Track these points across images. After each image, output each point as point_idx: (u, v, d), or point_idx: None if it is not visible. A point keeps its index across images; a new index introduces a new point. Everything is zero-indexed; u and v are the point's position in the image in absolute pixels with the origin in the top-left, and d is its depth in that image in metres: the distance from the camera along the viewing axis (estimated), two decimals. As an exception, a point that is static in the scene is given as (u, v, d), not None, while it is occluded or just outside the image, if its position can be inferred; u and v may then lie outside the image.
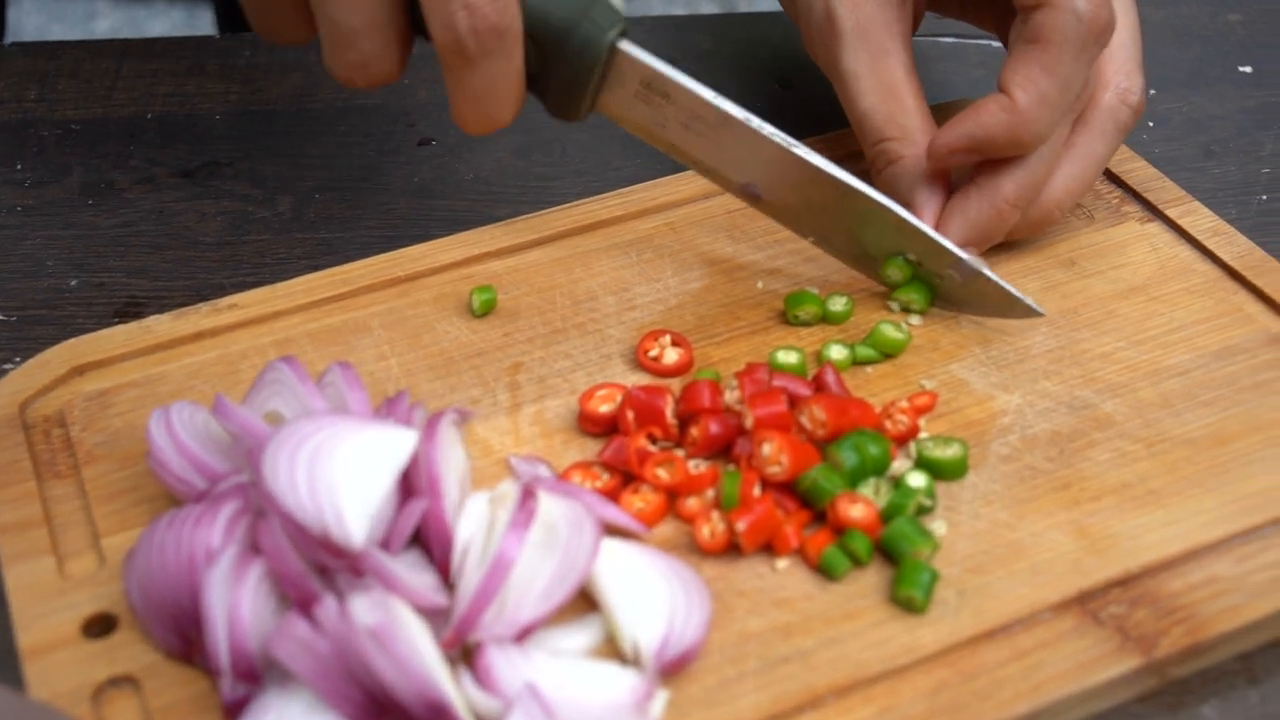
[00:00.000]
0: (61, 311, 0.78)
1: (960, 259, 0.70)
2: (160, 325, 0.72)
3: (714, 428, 0.64)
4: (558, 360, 0.70)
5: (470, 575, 0.57)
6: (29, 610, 0.60)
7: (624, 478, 0.64)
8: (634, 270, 0.75)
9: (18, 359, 0.74)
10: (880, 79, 0.72)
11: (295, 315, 0.73)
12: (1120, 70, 0.72)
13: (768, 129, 0.69)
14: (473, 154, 0.88)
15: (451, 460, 0.61)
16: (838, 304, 0.71)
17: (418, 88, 0.92)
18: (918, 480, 0.63)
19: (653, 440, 0.65)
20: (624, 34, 0.69)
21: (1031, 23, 0.68)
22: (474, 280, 0.75)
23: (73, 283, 0.79)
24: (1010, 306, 0.70)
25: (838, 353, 0.69)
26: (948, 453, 0.64)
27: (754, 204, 0.73)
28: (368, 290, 0.74)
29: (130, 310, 0.77)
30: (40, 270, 0.80)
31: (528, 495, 0.58)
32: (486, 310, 0.72)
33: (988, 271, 0.70)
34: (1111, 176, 0.80)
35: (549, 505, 0.59)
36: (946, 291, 0.71)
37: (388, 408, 0.63)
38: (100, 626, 0.60)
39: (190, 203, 0.84)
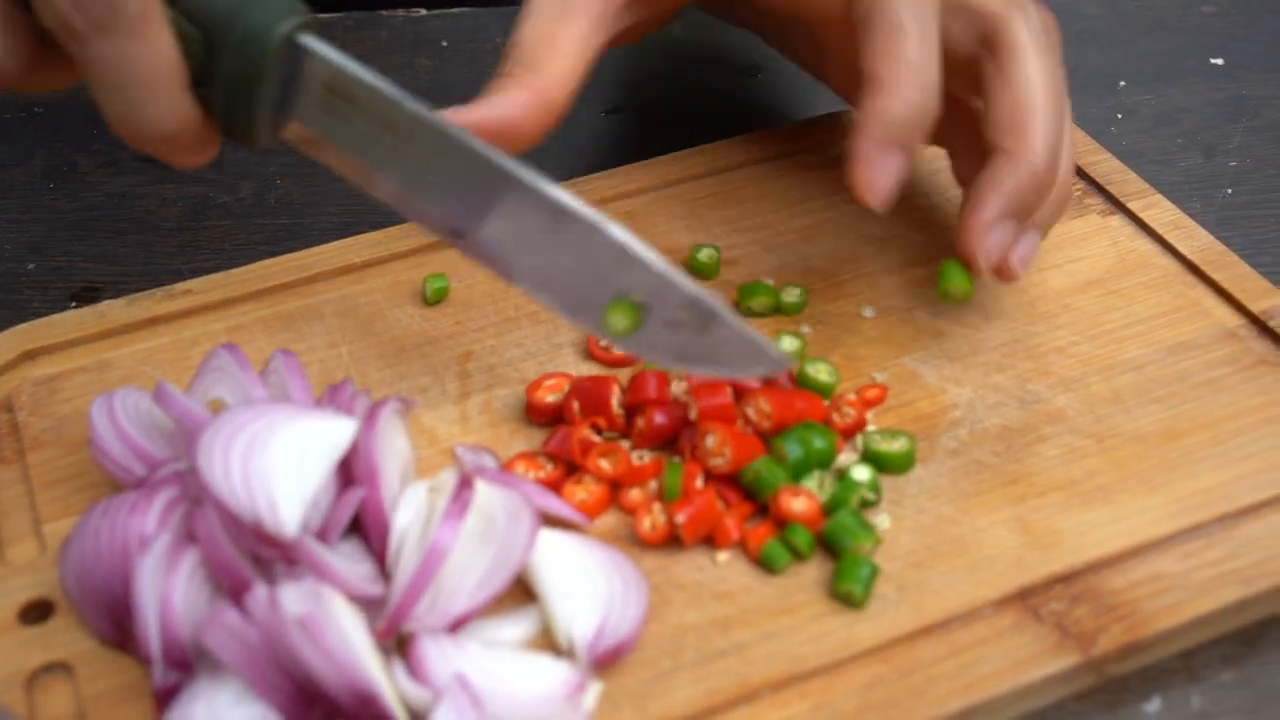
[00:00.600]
0: (17, 295, 0.77)
1: (695, 297, 0.60)
2: (114, 310, 0.72)
3: (659, 418, 0.64)
4: (509, 349, 0.70)
5: (405, 565, 0.57)
6: (-33, 596, 0.60)
7: (568, 468, 0.63)
8: (590, 259, 0.75)
9: (-29, 343, 0.74)
10: (548, 28, 0.66)
11: (249, 302, 0.73)
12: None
13: (466, 137, 0.60)
14: (437, 140, 0.87)
15: (393, 449, 0.61)
16: (792, 294, 0.71)
17: (387, 73, 0.92)
18: (862, 474, 0.63)
19: (598, 431, 0.65)
20: (307, 27, 0.59)
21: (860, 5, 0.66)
22: (428, 268, 0.74)
23: (30, 266, 0.79)
24: (754, 359, 0.61)
25: (789, 344, 0.68)
26: (894, 446, 0.64)
27: (458, 243, 0.63)
28: (323, 277, 0.74)
29: (86, 295, 0.77)
30: (-3, 254, 0.80)
31: (464, 485, 0.58)
32: (439, 298, 0.72)
33: (726, 314, 0.60)
34: (1076, 169, 0.79)
35: (487, 495, 0.59)
36: (679, 347, 0.61)
37: (330, 395, 0.63)
38: (37, 613, 0.60)
39: (152, 187, 0.84)
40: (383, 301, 0.73)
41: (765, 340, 0.61)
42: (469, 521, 0.58)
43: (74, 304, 0.76)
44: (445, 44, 0.95)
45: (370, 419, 0.60)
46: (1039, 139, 0.64)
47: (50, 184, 0.84)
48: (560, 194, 0.60)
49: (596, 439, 0.64)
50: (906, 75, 0.64)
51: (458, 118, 0.62)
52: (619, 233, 0.60)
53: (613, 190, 0.78)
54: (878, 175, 0.64)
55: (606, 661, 0.56)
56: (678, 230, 0.76)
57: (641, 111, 0.90)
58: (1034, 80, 0.65)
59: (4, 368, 0.70)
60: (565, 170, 0.83)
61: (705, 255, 0.73)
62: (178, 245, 0.80)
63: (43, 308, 0.75)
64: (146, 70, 0.56)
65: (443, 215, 0.62)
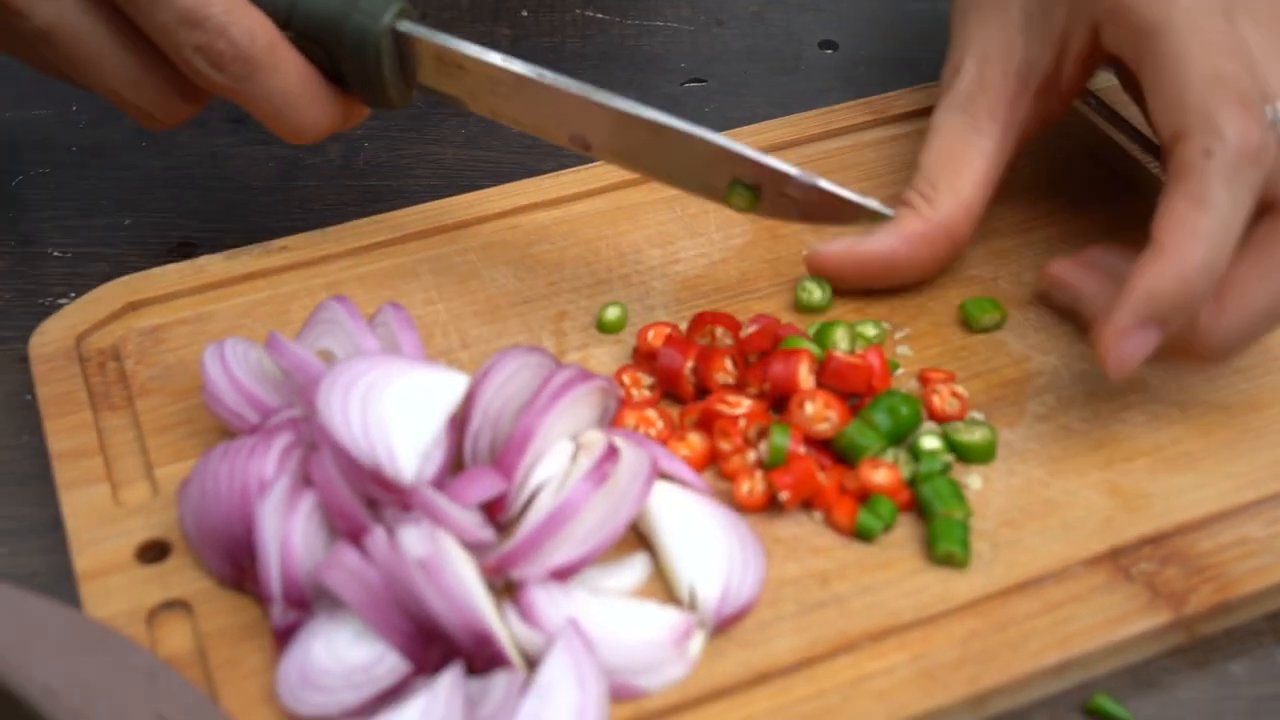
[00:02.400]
0: (115, 249, 0.79)
1: (792, 175, 0.67)
2: (213, 265, 0.74)
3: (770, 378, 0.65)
4: (602, 310, 0.71)
5: (533, 516, 0.58)
6: (84, 535, 0.62)
7: (671, 427, 0.65)
8: (678, 225, 0.76)
9: (72, 294, 0.75)
10: (951, 147, 0.71)
11: (345, 259, 0.75)
12: None
13: (562, 81, 0.67)
14: (520, 107, 0.89)
15: (570, 416, 0.62)
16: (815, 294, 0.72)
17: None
18: (932, 443, 0.64)
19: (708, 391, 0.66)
20: (403, 14, 0.67)
21: (1175, 156, 0.61)
22: (521, 230, 0.76)
23: (127, 222, 0.81)
24: (855, 213, 0.68)
25: (871, 331, 0.69)
26: (975, 436, 0.65)
27: (587, 153, 0.70)
28: (417, 237, 0.76)
29: (183, 250, 0.79)
30: (95, 209, 0.81)
31: (610, 454, 0.59)
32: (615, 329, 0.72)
33: (823, 183, 0.67)
34: (1153, 146, 0.81)
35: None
36: (797, 209, 0.69)
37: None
38: (154, 553, 0.61)
39: (242, 148, 0.86)
40: (477, 261, 0.74)
41: (865, 198, 0.68)
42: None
43: (171, 259, 0.77)
44: (525, 14, 0.96)
45: (563, 386, 0.61)
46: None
47: (143, 143, 0.86)
48: (658, 114, 0.67)
49: (739, 410, 0.64)
50: (1193, 251, 0.59)
51: (845, 253, 0.71)
52: (718, 138, 0.67)
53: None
54: (1126, 351, 0.60)
55: (730, 623, 0.58)
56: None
57: (723, 82, 0.91)
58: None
59: (109, 318, 0.71)
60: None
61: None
62: (269, 204, 0.82)
63: (141, 262, 0.77)
64: (288, 92, 0.66)
65: (570, 136, 0.69)
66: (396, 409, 0.59)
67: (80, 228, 0.80)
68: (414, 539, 0.55)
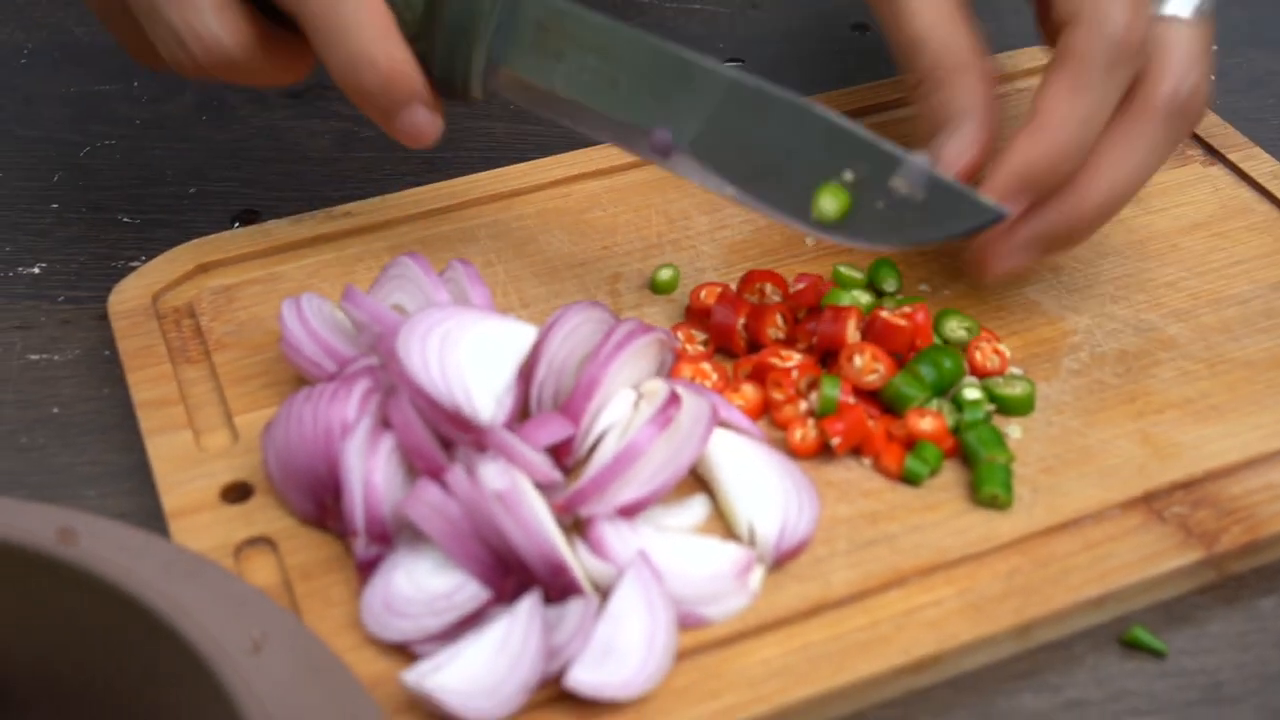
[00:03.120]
0: (181, 216, 0.82)
1: (905, 160, 0.65)
2: (279, 229, 0.77)
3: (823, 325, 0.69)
4: (655, 273, 0.75)
5: (600, 457, 0.62)
6: (170, 477, 0.65)
7: (725, 380, 0.68)
8: (724, 193, 0.80)
9: (143, 258, 0.79)
10: (935, 3, 0.69)
11: (405, 224, 0.78)
12: (1180, 64, 0.68)
13: (673, 47, 0.66)
14: (566, 85, 0.92)
15: (632, 367, 0.65)
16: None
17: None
18: (974, 394, 0.67)
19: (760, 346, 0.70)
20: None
21: (1062, 40, 0.66)
22: (571, 199, 0.79)
23: (191, 190, 0.84)
24: (968, 213, 0.65)
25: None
26: (1015, 390, 0.68)
27: (664, 162, 0.68)
28: (474, 203, 0.79)
29: (246, 216, 0.82)
30: (160, 179, 0.85)
31: (672, 400, 0.62)
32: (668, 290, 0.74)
33: (940, 175, 0.65)
34: (1176, 122, 0.84)
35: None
36: (890, 221, 0.66)
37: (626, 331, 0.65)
38: (237, 493, 0.65)
39: (299, 121, 0.89)
40: (533, 226, 0.78)
41: (976, 193, 0.65)
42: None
43: (235, 225, 0.81)
44: (567, -4, 0.99)
45: (626, 336, 0.64)
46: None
47: (203, 117, 0.89)
48: (768, 85, 0.66)
49: (791, 363, 0.68)
50: (1069, 129, 0.65)
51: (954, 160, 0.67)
52: (828, 112, 0.66)
53: (742, 131, 0.83)
54: (998, 246, 0.68)
55: (787, 558, 0.61)
56: (804, 169, 0.81)
57: (760, 63, 0.94)
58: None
59: (182, 278, 0.75)
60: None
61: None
62: (327, 174, 0.85)
63: (206, 228, 0.80)
64: (359, 21, 0.64)
65: (652, 137, 0.67)
66: (471, 355, 0.62)
67: (146, 196, 0.83)
68: (493, 473, 0.58)
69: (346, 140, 0.88)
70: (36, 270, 0.78)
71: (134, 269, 0.76)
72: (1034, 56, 0.89)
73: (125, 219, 0.82)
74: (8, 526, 0.49)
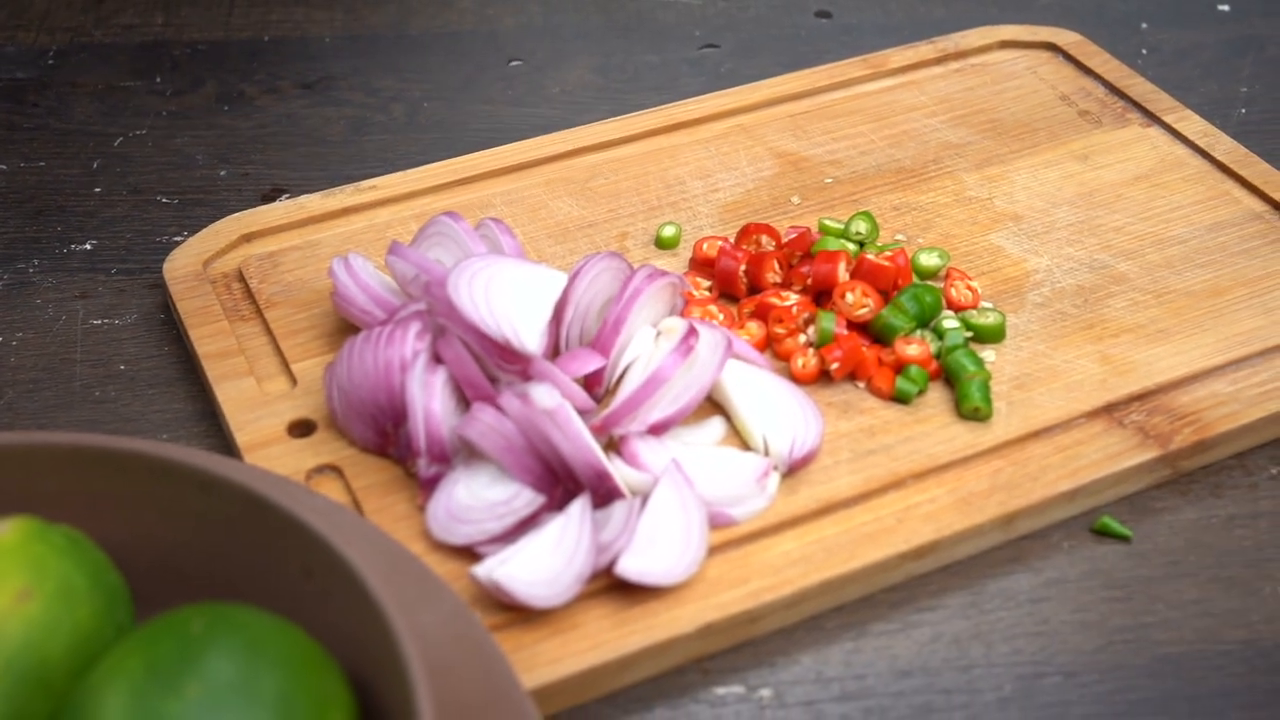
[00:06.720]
0: (215, 196, 0.90)
1: None
2: (312, 202, 0.85)
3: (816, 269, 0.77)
4: (659, 230, 0.83)
5: (629, 384, 0.69)
6: (239, 418, 0.72)
7: (730, 319, 0.76)
8: (714, 161, 0.88)
9: (185, 233, 0.86)
10: None
11: (428, 195, 0.86)
12: None
13: None
14: (558, 71, 1.00)
15: (650, 307, 0.73)
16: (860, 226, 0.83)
17: (503, 16, 1.05)
18: (952, 323, 0.76)
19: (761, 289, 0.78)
20: None
21: None
22: (575, 170, 0.87)
23: (222, 173, 0.91)
24: None
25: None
26: (988, 319, 0.77)
27: None
28: (486, 176, 0.87)
29: (274, 195, 0.90)
30: (191, 163, 0.92)
31: (691, 333, 0.70)
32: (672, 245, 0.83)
33: None
34: (1114, 90, 0.94)
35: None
36: None
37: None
38: (301, 429, 0.72)
39: (314, 109, 0.97)
40: (543, 194, 0.86)
41: None
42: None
43: (266, 202, 0.88)
44: (552, -8, 1.08)
45: (645, 280, 0.72)
46: None
47: (224, 107, 0.97)
48: None
49: (790, 301, 0.76)
50: None
51: None
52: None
53: (727, 107, 0.92)
54: None
55: (799, 466, 0.69)
56: (784, 139, 0.90)
57: (731, 48, 1.03)
58: None
59: (227, 248, 0.82)
60: (676, 93, 0.96)
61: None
62: (345, 156, 0.93)
63: (239, 205, 0.87)
64: None
65: None
66: (514, 294, 0.70)
67: (181, 179, 0.91)
68: (543, 394, 0.66)
69: (360, 125, 0.95)
70: (88, 246, 0.85)
71: (177, 243, 0.83)
72: (984, 35, 0.98)
73: (163, 200, 0.89)
74: (154, 445, 0.57)
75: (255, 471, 0.63)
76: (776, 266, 0.78)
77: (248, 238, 0.83)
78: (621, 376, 0.72)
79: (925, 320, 0.76)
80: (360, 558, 0.53)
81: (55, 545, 0.53)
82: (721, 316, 0.76)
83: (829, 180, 0.86)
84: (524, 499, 0.66)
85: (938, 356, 0.75)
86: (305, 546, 0.55)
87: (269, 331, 0.77)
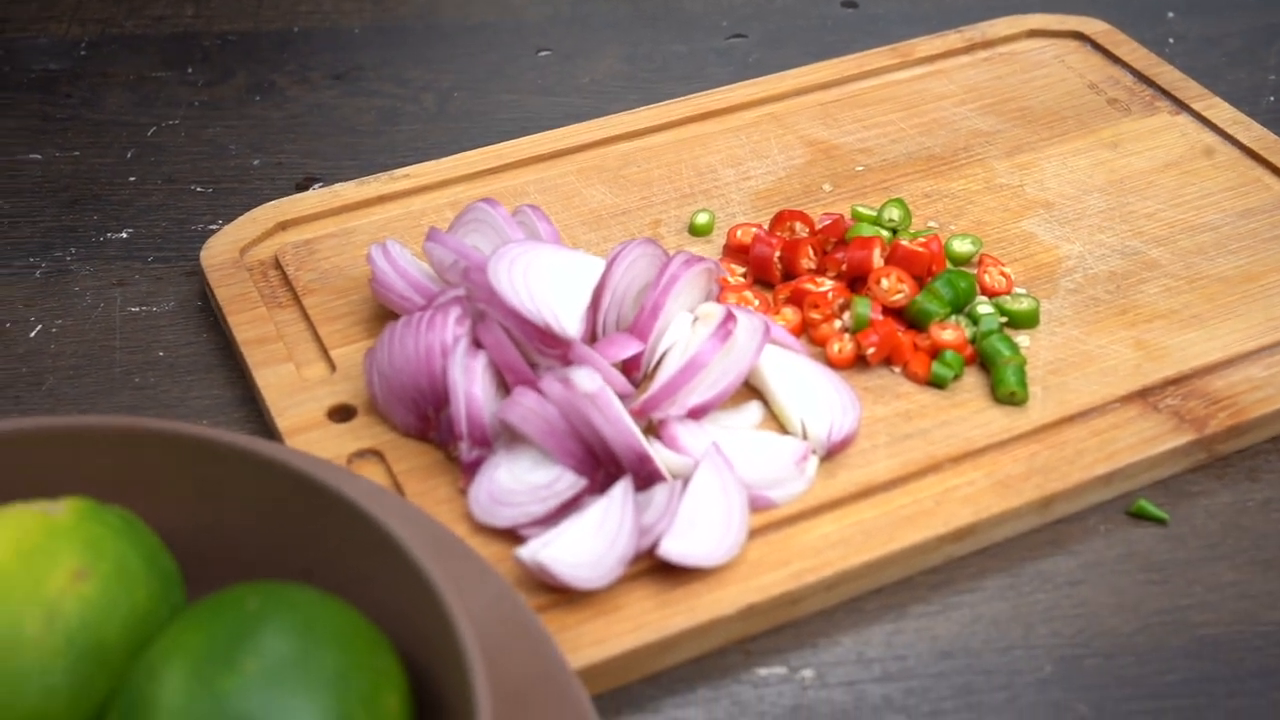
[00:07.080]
0: (249, 184, 0.90)
1: None
2: (346, 190, 0.85)
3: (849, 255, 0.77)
4: (692, 218, 0.83)
5: (667, 368, 0.70)
6: (280, 402, 0.73)
7: (765, 305, 0.77)
8: (746, 149, 0.89)
9: (220, 222, 0.86)
10: None
11: (461, 183, 0.86)
12: None
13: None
14: (586, 61, 1.01)
15: (686, 292, 0.73)
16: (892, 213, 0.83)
17: (531, 6, 1.05)
18: (986, 309, 0.76)
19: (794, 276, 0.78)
20: None
21: None
22: (608, 158, 0.88)
23: (255, 162, 0.92)
24: None
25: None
26: (1022, 305, 0.77)
27: None
28: (520, 164, 0.87)
29: (307, 184, 0.90)
30: (224, 153, 0.92)
31: (729, 318, 0.70)
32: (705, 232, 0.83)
33: None
34: (1143, 78, 0.94)
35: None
36: None
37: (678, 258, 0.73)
38: (341, 414, 0.72)
39: (345, 99, 0.97)
40: (576, 182, 0.86)
41: None
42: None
43: (299, 191, 0.89)
44: (579, -17, 1.08)
45: (682, 266, 0.72)
46: None
47: (255, 97, 0.97)
48: None
49: (825, 287, 0.76)
50: None
51: None
52: None
53: (757, 95, 0.92)
54: None
55: (837, 450, 0.70)
56: (815, 127, 0.90)
57: (759, 37, 1.03)
58: None
59: (263, 235, 0.82)
60: (704, 83, 0.96)
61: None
62: (377, 145, 0.93)
63: (272, 195, 0.88)
64: None
65: None
66: (553, 280, 0.70)
67: (215, 168, 0.91)
68: (584, 377, 0.66)
69: (391, 115, 0.96)
70: (124, 235, 0.86)
71: (213, 231, 0.84)
72: (1012, 25, 0.99)
73: (198, 189, 0.90)
74: (204, 429, 0.57)
75: (303, 455, 0.63)
76: (811, 253, 0.79)
77: (283, 225, 0.83)
78: (659, 362, 0.72)
79: (960, 306, 0.77)
80: (411, 539, 0.54)
81: (111, 526, 0.53)
82: (757, 302, 0.77)
83: (860, 168, 0.87)
84: (566, 482, 0.66)
85: (973, 341, 0.75)
86: (355, 528, 0.55)
87: (307, 318, 0.78)
